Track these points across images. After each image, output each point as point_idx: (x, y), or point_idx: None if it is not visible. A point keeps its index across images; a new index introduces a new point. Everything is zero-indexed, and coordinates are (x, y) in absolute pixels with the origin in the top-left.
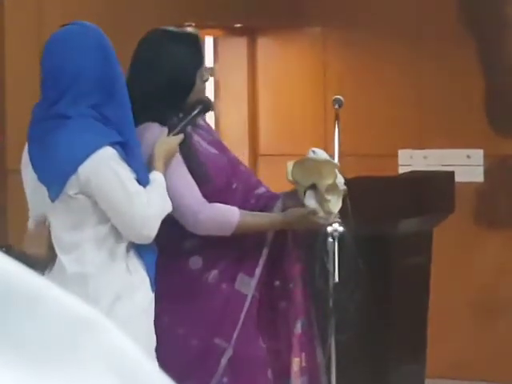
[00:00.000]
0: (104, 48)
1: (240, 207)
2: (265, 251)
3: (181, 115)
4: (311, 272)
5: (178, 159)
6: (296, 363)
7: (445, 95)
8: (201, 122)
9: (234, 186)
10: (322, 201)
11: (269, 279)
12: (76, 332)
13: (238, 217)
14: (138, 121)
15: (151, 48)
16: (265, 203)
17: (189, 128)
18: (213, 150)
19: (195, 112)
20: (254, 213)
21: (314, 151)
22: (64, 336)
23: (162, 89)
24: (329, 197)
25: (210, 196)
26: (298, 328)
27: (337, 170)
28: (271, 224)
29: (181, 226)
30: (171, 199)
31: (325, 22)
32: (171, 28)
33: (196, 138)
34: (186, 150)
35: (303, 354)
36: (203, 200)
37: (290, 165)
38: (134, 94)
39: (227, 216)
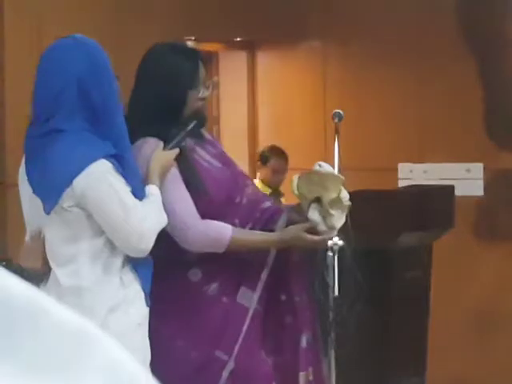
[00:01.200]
0: (95, 61)
1: (244, 221)
2: (267, 265)
3: (176, 129)
4: (312, 286)
5: (175, 173)
6: (303, 377)
7: (444, 109)
8: (206, 135)
9: (238, 199)
10: (325, 215)
11: (274, 293)
12: (75, 345)
13: (231, 233)
14: (136, 135)
15: (148, 63)
16: (269, 217)
17: (191, 141)
18: (216, 164)
19: (190, 126)
20: (249, 231)
21: (320, 165)
22: (63, 349)
23: (154, 105)
24: (333, 211)
25: (209, 210)
26: (304, 342)
27: (342, 185)
28: (266, 242)
29: None
30: (165, 213)
31: (325, 36)
32: (173, 43)
33: (199, 151)
34: (184, 164)
35: (310, 368)
36: (197, 215)
37: (295, 178)
38: (133, 109)
39: (219, 233)
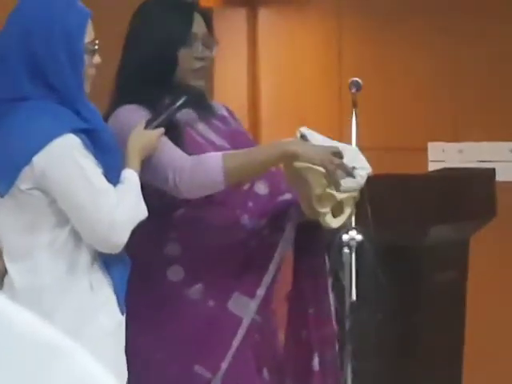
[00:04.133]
0: (54, 23)
1: (257, 213)
2: (272, 268)
3: (164, 105)
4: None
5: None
6: None
7: (483, 80)
8: (222, 110)
9: (245, 186)
10: (316, 214)
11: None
12: (47, 359)
13: (221, 156)
14: (119, 103)
15: (133, 22)
16: (284, 210)
17: (193, 114)
18: (219, 142)
19: (178, 104)
20: (240, 151)
21: (301, 133)
22: (34, 362)
23: (141, 67)
24: (323, 209)
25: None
26: (316, 364)
27: (325, 178)
28: (262, 158)
29: (158, 227)
30: (152, 168)
31: None
32: None
33: (199, 125)
34: (176, 139)
35: None
36: (184, 157)
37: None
38: (120, 75)
39: (209, 159)
